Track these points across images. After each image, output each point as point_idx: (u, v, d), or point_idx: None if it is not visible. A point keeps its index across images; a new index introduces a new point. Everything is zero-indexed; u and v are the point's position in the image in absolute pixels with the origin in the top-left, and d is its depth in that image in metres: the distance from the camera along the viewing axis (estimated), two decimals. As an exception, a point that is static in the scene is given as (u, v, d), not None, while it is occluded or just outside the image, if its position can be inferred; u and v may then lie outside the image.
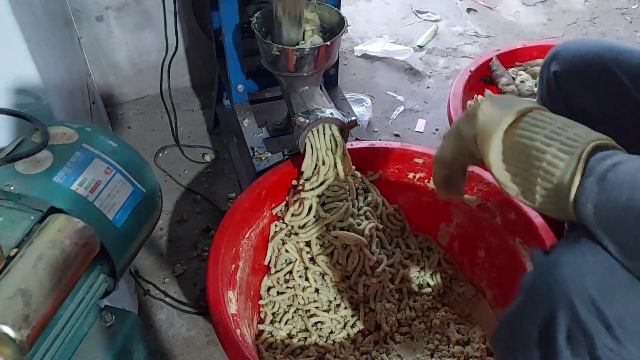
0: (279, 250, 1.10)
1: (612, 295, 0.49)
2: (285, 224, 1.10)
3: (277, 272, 1.09)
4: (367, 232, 1.08)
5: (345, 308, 1.09)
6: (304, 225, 1.08)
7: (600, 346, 0.49)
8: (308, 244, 1.09)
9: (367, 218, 1.12)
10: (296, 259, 1.09)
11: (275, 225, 1.11)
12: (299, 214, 1.08)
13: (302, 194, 1.07)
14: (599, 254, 0.51)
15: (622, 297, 0.49)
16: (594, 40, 0.90)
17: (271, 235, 1.11)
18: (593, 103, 0.82)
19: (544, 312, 0.52)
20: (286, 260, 1.10)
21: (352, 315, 1.09)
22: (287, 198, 1.11)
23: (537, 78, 1.02)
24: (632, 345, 0.49)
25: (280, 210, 1.11)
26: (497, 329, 0.60)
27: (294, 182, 1.10)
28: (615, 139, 0.54)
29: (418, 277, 1.16)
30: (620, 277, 0.49)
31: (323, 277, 1.10)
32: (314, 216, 1.08)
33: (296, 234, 1.09)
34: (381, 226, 1.14)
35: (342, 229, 1.09)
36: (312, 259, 1.09)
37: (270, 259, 1.10)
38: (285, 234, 1.10)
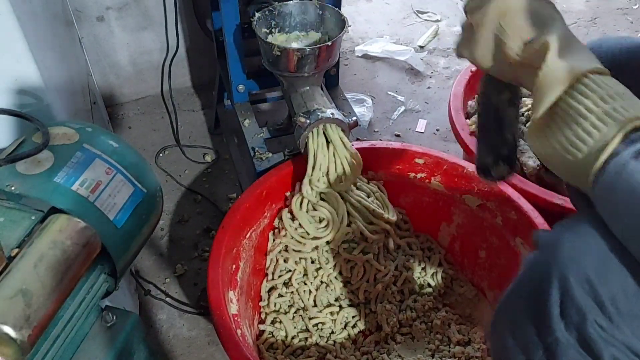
0: (277, 260, 1.09)
1: (609, 277, 0.50)
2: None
3: (273, 279, 1.09)
4: (373, 244, 1.07)
5: (347, 309, 1.09)
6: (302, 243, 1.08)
7: (591, 323, 0.50)
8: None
9: (371, 223, 1.11)
10: (295, 269, 1.09)
11: (273, 235, 1.10)
12: (294, 237, 1.07)
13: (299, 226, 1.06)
14: (601, 237, 0.51)
15: (618, 279, 0.49)
16: (627, 38, 0.88)
17: (269, 247, 1.10)
18: None
19: (541, 288, 0.53)
20: (285, 268, 1.10)
21: (353, 316, 1.09)
22: (286, 202, 1.11)
23: None
24: (626, 327, 0.49)
25: (278, 225, 1.10)
26: (496, 309, 0.61)
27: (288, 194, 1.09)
28: None
29: (419, 278, 1.16)
30: (620, 260, 0.50)
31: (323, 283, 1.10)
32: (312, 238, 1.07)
33: (295, 251, 1.08)
34: (390, 230, 1.13)
35: (346, 241, 1.08)
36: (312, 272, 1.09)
37: (269, 268, 1.10)
38: (283, 248, 1.09)
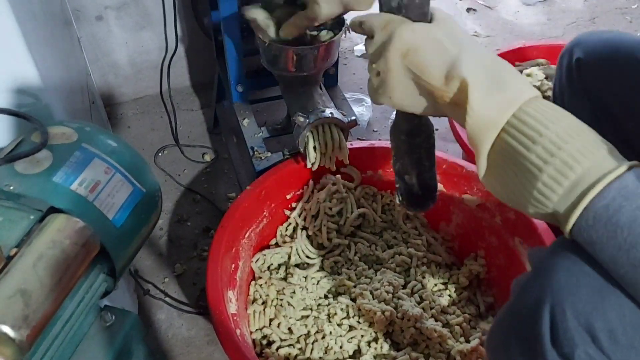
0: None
1: (606, 308, 0.48)
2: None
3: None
4: (416, 311, 0.99)
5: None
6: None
7: (579, 354, 0.48)
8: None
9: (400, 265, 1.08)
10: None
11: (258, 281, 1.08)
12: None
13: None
14: (596, 265, 0.49)
15: (616, 310, 0.48)
16: (621, 32, 0.87)
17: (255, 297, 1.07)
18: (617, 97, 0.76)
19: (535, 314, 0.51)
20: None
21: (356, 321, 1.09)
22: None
23: (556, 67, 0.94)
24: (618, 359, 0.48)
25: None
26: (490, 330, 0.59)
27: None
28: (637, 138, 0.49)
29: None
30: (617, 290, 0.48)
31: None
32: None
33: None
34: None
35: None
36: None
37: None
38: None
